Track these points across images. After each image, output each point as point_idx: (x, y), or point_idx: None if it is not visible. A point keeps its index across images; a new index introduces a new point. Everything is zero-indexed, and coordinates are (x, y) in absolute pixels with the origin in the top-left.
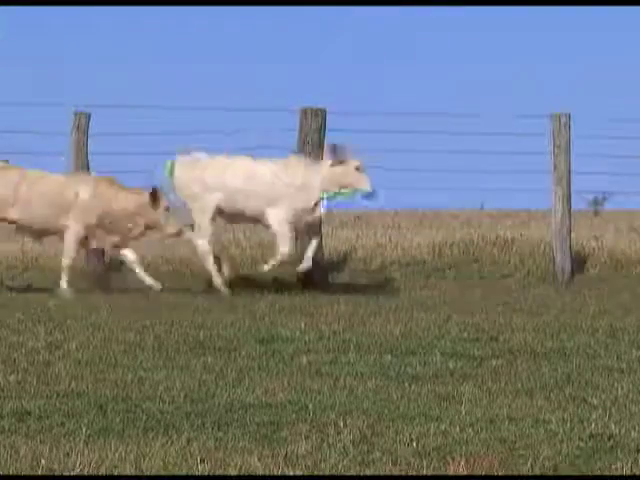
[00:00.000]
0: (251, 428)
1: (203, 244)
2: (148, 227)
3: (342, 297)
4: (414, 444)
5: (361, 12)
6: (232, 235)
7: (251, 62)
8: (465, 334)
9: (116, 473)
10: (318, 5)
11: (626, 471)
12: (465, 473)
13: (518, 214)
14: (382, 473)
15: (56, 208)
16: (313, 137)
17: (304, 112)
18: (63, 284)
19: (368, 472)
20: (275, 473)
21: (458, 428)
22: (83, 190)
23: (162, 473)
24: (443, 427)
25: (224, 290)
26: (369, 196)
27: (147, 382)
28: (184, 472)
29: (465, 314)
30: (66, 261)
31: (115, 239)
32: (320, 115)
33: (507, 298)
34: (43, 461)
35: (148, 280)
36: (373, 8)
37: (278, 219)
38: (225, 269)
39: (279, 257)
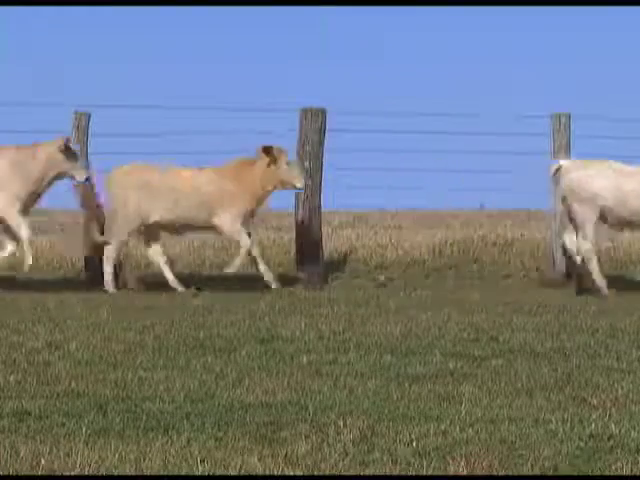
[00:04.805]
0: (251, 428)
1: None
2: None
3: (342, 297)
4: (414, 444)
5: (361, 12)
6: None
7: (251, 62)
8: (465, 334)
9: (116, 473)
10: (318, 5)
11: (626, 471)
12: (465, 473)
13: (518, 214)
14: (382, 473)
15: None
16: (313, 137)
17: (304, 112)
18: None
19: (368, 472)
20: (275, 473)
21: (458, 428)
22: None
23: (162, 473)
24: (443, 427)
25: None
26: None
27: (147, 382)
28: (184, 472)
29: (465, 314)
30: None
31: None
32: (320, 115)
33: (507, 298)
34: (43, 461)
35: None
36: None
37: None
38: None
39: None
